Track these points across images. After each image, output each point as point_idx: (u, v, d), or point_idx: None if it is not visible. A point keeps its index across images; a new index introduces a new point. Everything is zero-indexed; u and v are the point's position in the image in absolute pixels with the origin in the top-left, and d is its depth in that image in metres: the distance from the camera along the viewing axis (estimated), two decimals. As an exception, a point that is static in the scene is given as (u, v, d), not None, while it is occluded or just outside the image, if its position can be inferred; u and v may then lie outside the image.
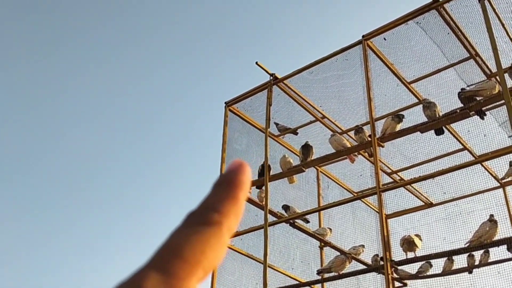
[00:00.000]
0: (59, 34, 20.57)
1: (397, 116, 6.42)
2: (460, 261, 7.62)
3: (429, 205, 8.33)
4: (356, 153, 7.07)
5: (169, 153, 22.34)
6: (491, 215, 5.81)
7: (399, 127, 6.36)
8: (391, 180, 8.02)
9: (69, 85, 20.55)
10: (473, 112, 5.86)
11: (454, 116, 5.83)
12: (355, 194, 8.32)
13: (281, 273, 7.11)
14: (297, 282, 7.13)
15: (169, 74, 22.06)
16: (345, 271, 6.61)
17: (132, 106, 21.76)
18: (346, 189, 8.56)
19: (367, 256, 7.97)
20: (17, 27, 19.64)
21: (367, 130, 6.70)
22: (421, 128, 6.08)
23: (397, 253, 7.27)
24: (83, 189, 20.21)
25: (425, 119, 6.35)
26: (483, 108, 5.91)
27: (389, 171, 8.06)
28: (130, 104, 21.98)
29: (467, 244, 5.58)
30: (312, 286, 7.41)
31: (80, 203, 19.88)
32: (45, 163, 19.82)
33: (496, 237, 5.54)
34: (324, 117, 7.81)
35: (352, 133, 7.64)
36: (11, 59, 19.49)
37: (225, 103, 7.94)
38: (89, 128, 21.19)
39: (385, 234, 5.71)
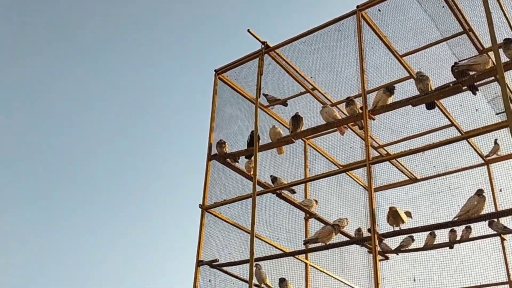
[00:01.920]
0: (53, 28, 20.08)
1: (389, 89, 6.39)
2: (442, 236, 7.76)
3: (413, 180, 8.42)
4: (346, 125, 7.05)
5: (158, 121, 22.08)
6: (480, 190, 5.86)
7: (390, 100, 6.33)
8: (378, 154, 8.05)
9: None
10: (465, 87, 5.85)
11: (446, 90, 5.82)
12: (341, 167, 8.34)
13: (267, 242, 7.13)
14: (282, 252, 7.15)
15: (157, 40, 21.71)
16: (330, 242, 6.63)
17: (122, 75, 21.40)
18: (332, 162, 8.58)
19: (350, 229, 8.05)
20: (9, 23, 19.10)
21: (358, 102, 6.66)
22: (413, 101, 6.07)
23: (381, 227, 7.34)
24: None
25: (415, 94, 6.34)
26: (475, 84, 5.90)
27: (376, 145, 8.09)
28: (119, 74, 21.61)
29: (456, 218, 5.63)
30: (297, 256, 7.46)
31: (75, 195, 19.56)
32: (43, 160, 19.41)
33: (483, 212, 5.60)
34: (314, 88, 7.76)
35: (342, 106, 7.61)
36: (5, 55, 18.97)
37: (215, 71, 7.82)
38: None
39: (373, 206, 5.72)
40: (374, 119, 6.37)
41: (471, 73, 5.81)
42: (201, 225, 6.94)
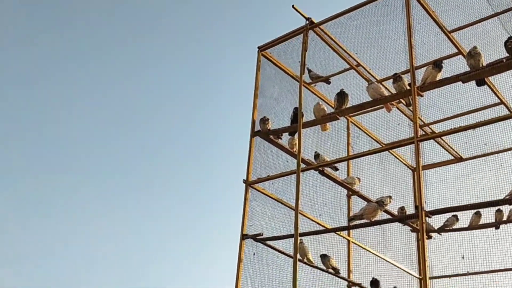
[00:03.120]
0: (55, 27, 20.30)
1: (437, 65, 6.26)
2: (488, 216, 7.64)
3: (459, 159, 8.28)
4: (392, 102, 6.96)
5: (202, 98, 22.22)
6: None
7: (439, 76, 6.22)
8: (424, 132, 7.94)
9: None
10: (519, 63, 5.69)
11: (499, 66, 5.67)
12: (384, 145, 8.27)
13: (309, 218, 7.16)
14: (324, 228, 7.18)
15: (200, 16, 21.72)
16: (375, 219, 6.62)
17: (160, 49, 21.50)
18: (376, 140, 8.51)
19: (392, 208, 8.01)
20: (11, 23, 19.39)
21: (405, 79, 6.57)
22: (463, 77, 5.95)
23: (427, 205, 7.29)
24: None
25: (462, 71, 6.21)
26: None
27: (421, 123, 7.97)
28: (158, 47, 21.73)
29: (507, 197, 5.52)
30: (339, 233, 7.48)
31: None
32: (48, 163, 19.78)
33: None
34: (359, 65, 7.67)
35: (386, 83, 7.51)
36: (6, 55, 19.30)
37: (258, 47, 7.81)
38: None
39: (421, 182, 5.67)
40: (422, 96, 6.29)
41: (525, 48, 5.64)
42: (245, 199, 7.02)
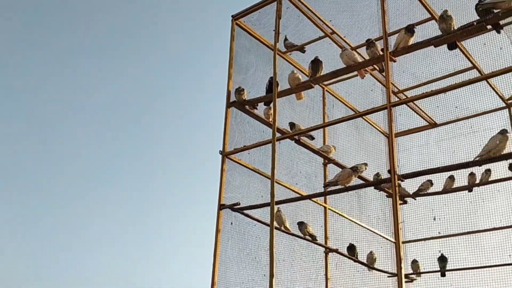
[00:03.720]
0: (55, 28, 19.77)
1: (409, 30, 6.25)
2: (461, 180, 7.78)
3: (433, 125, 8.38)
4: (366, 69, 6.97)
5: (175, 68, 21.99)
6: (503, 129, 5.80)
7: (411, 41, 6.23)
8: (398, 99, 7.99)
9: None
10: (489, 26, 5.73)
11: (470, 29, 5.70)
12: (359, 112, 8.30)
13: (286, 187, 7.21)
14: (300, 196, 7.24)
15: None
16: (350, 184, 6.68)
17: (136, 23, 21.15)
18: (351, 108, 8.54)
19: (368, 175, 8.10)
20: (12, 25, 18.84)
21: (379, 45, 6.56)
22: (435, 41, 5.96)
23: (400, 170, 7.37)
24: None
25: (436, 35, 6.22)
26: (500, 22, 5.76)
27: (395, 90, 8.02)
28: (135, 22, 21.37)
29: (477, 158, 5.62)
30: (315, 200, 7.56)
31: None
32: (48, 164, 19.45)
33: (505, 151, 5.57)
34: (333, 32, 7.64)
35: (361, 51, 7.51)
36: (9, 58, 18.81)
37: (232, 16, 7.72)
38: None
39: (393, 148, 5.73)
40: (395, 61, 6.30)
41: (496, 11, 5.67)
42: (222, 170, 7.03)
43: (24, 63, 19.52)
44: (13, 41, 19.23)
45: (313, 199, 7.37)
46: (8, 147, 18.34)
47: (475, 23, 5.65)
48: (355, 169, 6.52)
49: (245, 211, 6.87)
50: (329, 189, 6.69)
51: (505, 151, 5.53)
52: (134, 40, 21.56)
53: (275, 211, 6.43)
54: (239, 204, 6.78)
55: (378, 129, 8.65)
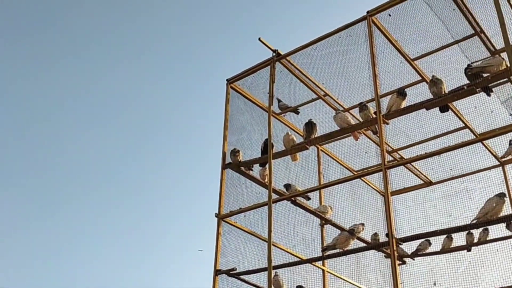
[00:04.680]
0: (63, 37, 20.31)
1: (401, 93, 6.38)
2: (459, 239, 7.70)
3: (428, 183, 8.38)
4: (360, 131, 7.04)
5: (171, 131, 22.16)
6: (502, 193, 5.81)
7: (404, 104, 6.33)
8: (392, 158, 8.03)
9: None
10: (479, 89, 5.84)
11: (460, 92, 5.81)
12: (355, 173, 8.33)
13: (283, 250, 7.11)
14: (299, 259, 7.13)
15: (169, 52, 21.82)
16: (348, 248, 6.61)
17: (134, 86, 21.51)
18: (346, 167, 8.57)
19: (366, 234, 8.02)
20: (18, 30, 19.36)
21: (371, 107, 6.66)
22: (427, 105, 6.06)
23: (398, 232, 7.30)
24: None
25: (428, 97, 6.33)
26: (489, 85, 5.89)
27: (390, 149, 8.07)
28: (131, 85, 21.74)
29: (474, 221, 5.59)
30: (314, 263, 7.44)
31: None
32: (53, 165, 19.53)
33: (502, 214, 5.56)
34: (326, 94, 7.77)
35: (354, 112, 7.61)
36: (13, 63, 19.23)
37: (227, 80, 7.86)
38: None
39: (390, 210, 5.71)
40: (388, 124, 6.37)
41: (485, 75, 5.80)
42: (218, 234, 6.95)
43: (26, 67, 19.65)
44: (16, 42, 19.44)
45: (311, 262, 7.25)
46: (9, 148, 18.21)
47: (465, 87, 5.77)
48: (352, 232, 6.46)
49: (242, 276, 6.74)
50: (327, 253, 6.60)
51: (502, 214, 5.51)
52: (128, 102, 21.82)
53: (272, 275, 6.31)
54: (236, 269, 6.66)
55: (374, 188, 8.64)
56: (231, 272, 6.63)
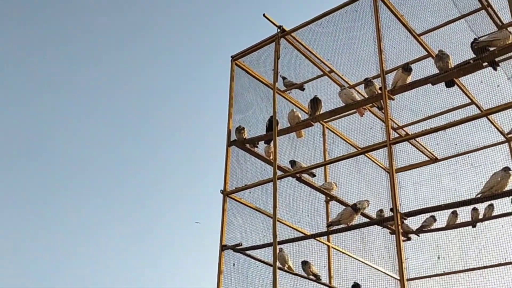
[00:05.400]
0: (56, 32, 20.22)
1: (406, 68, 6.33)
2: (464, 215, 7.72)
3: (434, 160, 8.37)
4: (365, 107, 7.02)
5: (175, 109, 22.18)
6: (507, 167, 5.80)
7: (409, 79, 6.30)
8: (398, 135, 8.01)
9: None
10: (486, 63, 5.79)
11: (466, 67, 5.76)
12: (360, 149, 8.32)
13: (288, 226, 7.16)
14: (303, 235, 7.19)
15: (173, 29, 21.72)
16: (352, 223, 6.64)
17: (138, 64, 21.49)
18: (351, 144, 8.57)
19: (371, 211, 8.06)
20: (14, 26, 19.30)
21: (376, 83, 6.63)
22: (432, 80, 6.03)
23: (403, 207, 7.33)
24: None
25: (434, 72, 6.29)
26: (496, 59, 5.83)
27: (395, 126, 8.05)
28: (136, 63, 21.71)
29: (479, 195, 5.60)
30: (319, 238, 7.49)
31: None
32: (46, 159, 19.61)
33: (507, 188, 5.56)
34: (331, 71, 7.73)
35: (360, 88, 7.58)
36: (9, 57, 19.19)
37: (231, 57, 7.83)
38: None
39: (395, 185, 5.72)
40: (393, 99, 6.34)
41: (491, 49, 5.75)
42: (223, 210, 7.00)
43: (30, 67, 19.72)
44: (19, 44, 19.50)
45: (316, 238, 7.30)
46: (12, 150, 18.38)
47: (471, 61, 5.72)
48: (356, 208, 6.48)
49: (248, 252, 6.80)
50: (332, 228, 6.65)
51: (507, 188, 5.51)
52: (134, 80, 21.81)
53: (277, 251, 6.37)
54: (241, 244, 6.72)
55: (379, 165, 8.64)
56: (236, 248, 6.69)
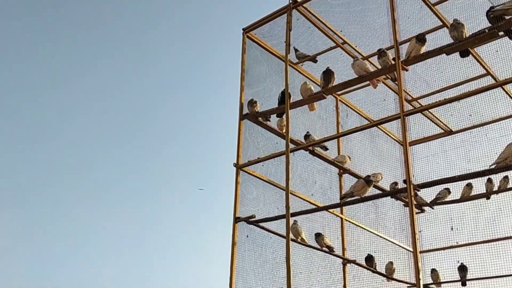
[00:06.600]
0: (56, 30, 20.14)
1: (419, 39, 6.23)
2: (479, 188, 7.67)
3: (448, 132, 8.30)
4: (378, 78, 6.95)
5: (187, 81, 22.20)
6: (521, 136, 5.74)
7: (423, 49, 6.20)
8: (412, 107, 7.93)
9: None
10: (502, 33, 5.68)
11: (482, 36, 5.65)
12: (373, 121, 8.26)
13: (302, 198, 7.19)
14: (316, 207, 7.22)
15: (185, 3, 21.56)
16: (365, 195, 6.64)
17: (150, 37, 21.44)
18: (365, 117, 8.51)
19: (385, 184, 8.05)
20: (15, 25, 19.27)
21: (390, 54, 6.55)
22: (447, 49, 5.93)
23: (417, 179, 7.29)
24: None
25: (448, 43, 6.18)
26: (512, 28, 5.70)
27: (409, 98, 7.97)
28: (148, 36, 21.66)
29: (493, 166, 5.55)
30: (332, 211, 7.53)
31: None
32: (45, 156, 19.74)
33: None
34: (344, 42, 7.64)
35: (373, 59, 7.49)
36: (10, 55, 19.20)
37: (243, 29, 7.77)
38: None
39: (408, 156, 5.69)
40: (407, 70, 6.27)
41: (507, 17, 5.62)
42: (237, 183, 7.05)
43: (29, 65, 19.87)
44: (18, 43, 19.60)
45: (329, 210, 7.33)
46: (12, 150, 18.62)
47: (487, 30, 5.61)
48: (368, 180, 6.48)
49: (261, 224, 6.86)
50: (345, 200, 6.66)
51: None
52: (146, 53, 21.80)
53: (291, 223, 6.42)
54: (255, 216, 6.78)
55: (393, 138, 8.59)
56: (250, 220, 6.75)
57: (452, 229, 7.38)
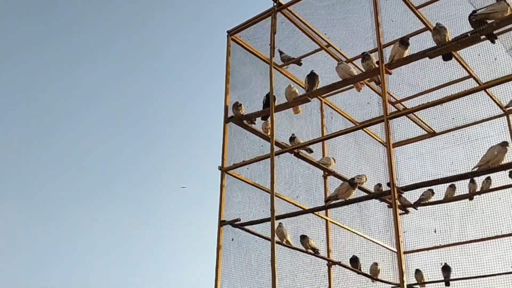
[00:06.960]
0: (53, 30, 19.97)
1: (403, 42, 6.27)
2: (462, 188, 7.76)
3: (432, 134, 8.38)
4: (362, 82, 6.99)
5: (172, 83, 22.13)
6: (505, 142, 5.81)
7: (406, 53, 6.25)
8: (396, 109, 8.00)
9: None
10: (483, 36, 5.74)
11: (464, 40, 5.71)
12: (358, 124, 8.31)
13: (287, 201, 7.21)
14: (302, 209, 7.23)
15: (169, 4, 21.49)
16: (350, 198, 6.68)
17: (133, 40, 21.32)
18: (349, 119, 8.55)
19: (370, 186, 8.10)
20: (12, 25, 19.07)
21: (374, 57, 6.58)
22: (430, 53, 5.98)
23: (400, 182, 7.35)
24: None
25: (432, 46, 6.23)
26: (494, 32, 5.77)
27: (393, 100, 8.03)
28: (131, 38, 21.54)
29: (476, 169, 5.62)
30: (317, 213, 7.55)
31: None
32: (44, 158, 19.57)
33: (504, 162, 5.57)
34: (329, 45, 7.67)
35: (357, 62, 7.53)
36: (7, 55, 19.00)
37: (228, 32, 7.75)
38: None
39: (392, 159, 5.73)
40: (391, 73, 6.30)
41: (489, 21, 5.69)
42: (221, 186, 7.03)
43: (27, 65, 19.69)
44: (16, 43, 19.39)
45: (314, 212, 7.36)
46: (12, 150, 18.43)
47: (469, 34, 5.67)
48: (353, 183, 6.51)
49: (246, 227, 6.86)
50: (330, 203, 6.69)
51: (504, 162, 5.52)
52: (130, 55, 21.68)
53: (276, 225, 6.42)
54: (240, 220, 6.77)
55: (377, 139, 8.65)
56: (235, 223, 6.74)
57: (435, 231, 7.45)
